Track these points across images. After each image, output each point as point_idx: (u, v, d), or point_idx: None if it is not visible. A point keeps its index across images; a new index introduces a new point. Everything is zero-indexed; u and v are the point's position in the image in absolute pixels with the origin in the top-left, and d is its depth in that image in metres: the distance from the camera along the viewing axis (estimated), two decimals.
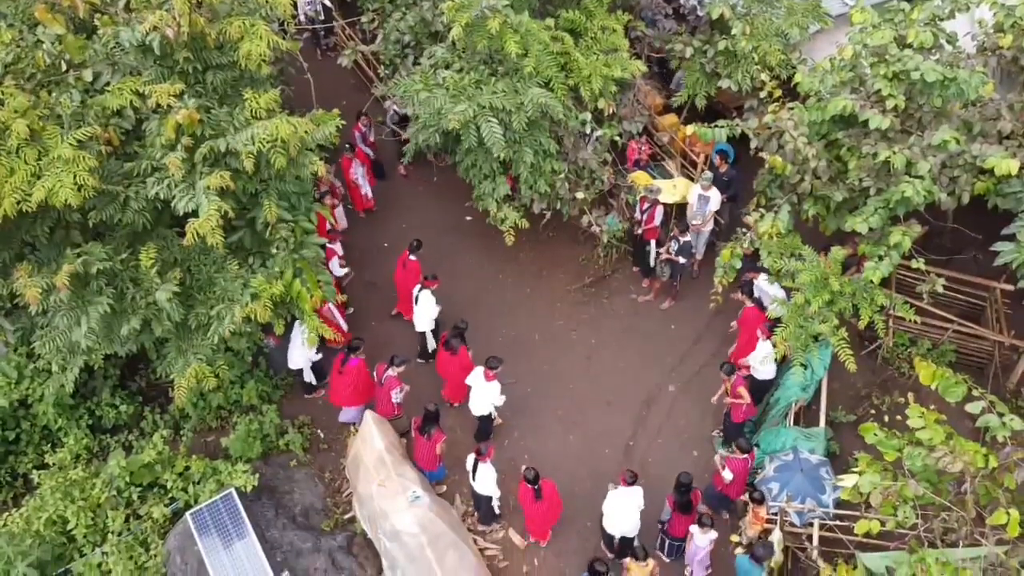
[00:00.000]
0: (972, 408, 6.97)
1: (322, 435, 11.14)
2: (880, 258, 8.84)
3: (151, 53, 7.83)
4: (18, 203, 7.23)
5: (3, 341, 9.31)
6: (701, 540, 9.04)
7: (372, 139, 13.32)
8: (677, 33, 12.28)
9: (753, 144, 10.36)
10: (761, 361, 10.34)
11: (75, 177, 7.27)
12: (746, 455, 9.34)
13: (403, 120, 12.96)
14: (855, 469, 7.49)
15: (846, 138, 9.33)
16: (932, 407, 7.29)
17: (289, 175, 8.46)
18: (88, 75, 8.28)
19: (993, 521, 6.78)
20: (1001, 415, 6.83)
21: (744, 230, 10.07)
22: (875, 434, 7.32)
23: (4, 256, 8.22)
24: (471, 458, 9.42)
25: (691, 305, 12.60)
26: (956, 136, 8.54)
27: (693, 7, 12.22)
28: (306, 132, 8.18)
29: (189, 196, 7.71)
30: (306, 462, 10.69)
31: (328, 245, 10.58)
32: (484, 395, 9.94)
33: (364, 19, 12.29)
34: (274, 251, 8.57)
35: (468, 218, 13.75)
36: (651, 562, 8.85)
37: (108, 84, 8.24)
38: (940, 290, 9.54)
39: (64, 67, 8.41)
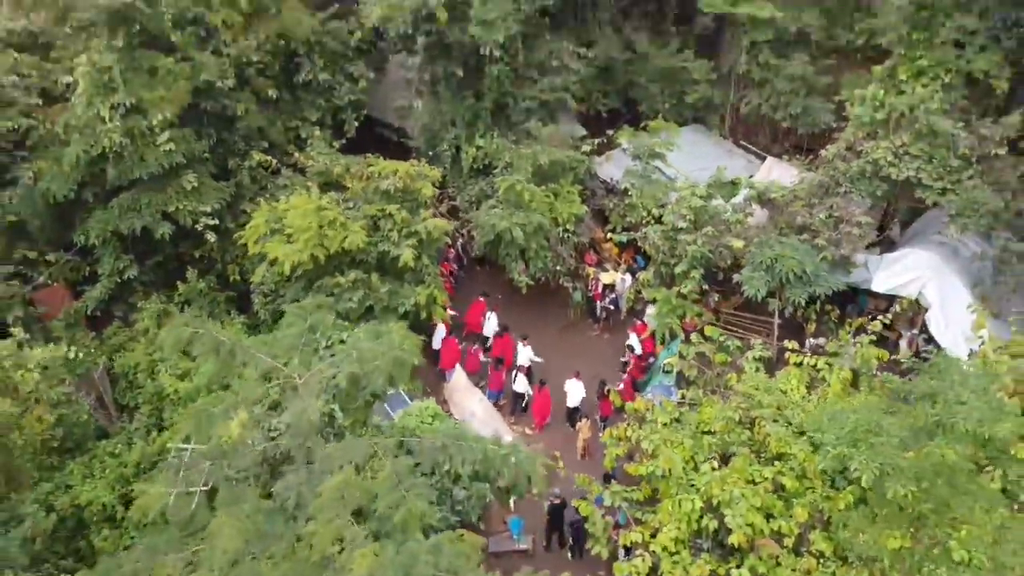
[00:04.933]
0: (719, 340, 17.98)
1: (428, 388, 21.76)
2: (686, 285, 20.21)
3: (386, 194, 19.69)
4: (335, 248, 18.67)
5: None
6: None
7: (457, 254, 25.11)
8: (607, 193, 24.47)
9: (641, 244, 22.10)
10: (636, 343, 21.45)
11: (359, 238, 18.77)
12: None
13: (467, 239, 24.83)
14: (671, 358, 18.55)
15: (676, 234, 21.00)
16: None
17: (434, 245, 20.04)
18: (351, 203, 20.11)
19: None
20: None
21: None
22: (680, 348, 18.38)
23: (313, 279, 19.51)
24: (514, 373, 20.15)
25: (617, 337, 23.71)
26: (714, 231, 20.24)
27: (616, 183, 24.51)
28: (444, 228, 19.89)
29: (399, 249, 19.19)
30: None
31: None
32: (524, 353, 20.84)
33: (451, 189, 24.52)
34: (426, 279, 19.88)
35: (499, 296, 25.07)
36: (588, 421, 19.36)
37: (359, 207, 20.00)
38: (716, 300, 20.87)
39: (339, 203, 20.24)
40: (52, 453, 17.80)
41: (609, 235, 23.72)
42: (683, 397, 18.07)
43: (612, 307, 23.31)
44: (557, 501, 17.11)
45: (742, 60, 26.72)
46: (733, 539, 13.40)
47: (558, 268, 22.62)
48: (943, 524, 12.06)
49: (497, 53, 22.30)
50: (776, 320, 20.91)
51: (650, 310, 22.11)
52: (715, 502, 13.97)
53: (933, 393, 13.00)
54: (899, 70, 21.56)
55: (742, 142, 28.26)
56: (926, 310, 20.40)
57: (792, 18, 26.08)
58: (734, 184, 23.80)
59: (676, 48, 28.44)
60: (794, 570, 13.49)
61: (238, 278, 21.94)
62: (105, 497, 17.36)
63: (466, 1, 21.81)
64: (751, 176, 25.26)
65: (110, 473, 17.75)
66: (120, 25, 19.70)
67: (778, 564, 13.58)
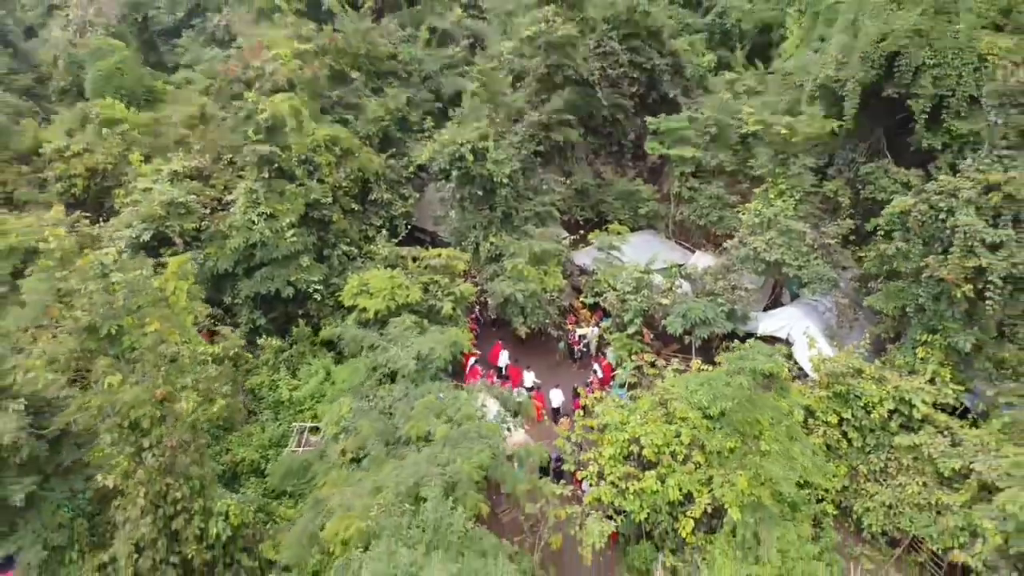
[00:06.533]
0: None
1: None
2: (631, 328, 30.49)
3: (433, 268, 30.38)
4: (401, 301, 29.09)
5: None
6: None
7: (476, 315, 35.52)
8: (581, 274, 35.15)
9: (604, 305, 32.57)
10: (599, 370, 31.56)
11: (416, 295, 29.23)
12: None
13: (484, 305, 35.25)
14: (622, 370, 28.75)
15: (625, 296, 31.46)
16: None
17: (465, 302, 30.49)
18: (410, 275, 30.74)
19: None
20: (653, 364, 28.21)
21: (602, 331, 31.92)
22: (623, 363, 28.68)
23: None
24: (521, 391, 30.08)
25: (588, 370, 33.69)
26: (650, 294, 30.73)
27: (588, 267, 35.27)
28: (471, 290, 30.42)
29: (442, 303, 29.61)
30: None
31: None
32: (528, 377, 30.87)
33: (472, 271, 35.15)
34: (459, 323, 30.15)
35: (505, 354, 35.17)
36: (567, 419, 29.11)
37: (415, 277, 30.62)
38: (659, 346, 31.11)
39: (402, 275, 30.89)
40: (218, 428, 27.52)
41: (582, 300, 34.28)
42: (630, 398, 27.95)
43: (585, 350, 33.51)
44: (557, 463, 26.52)
45: (676, 185, 38.19)
46: (647, 453, 23.03)
47: (547, 322, 32.94)
48: (755, 431, 21.87)
49: (505, 180, 33.53)
50: (693, 352, 31.01)
51: (609, 350, 32.32)
52: (637, 436, 23.66)
53: (742, 357, 23.09)
54: (770, 191, 32.78)
55: (680, 240, 39.33)
56: (792, 344, 30.56)
57: (711, 156, 37.71)
58: (670, 268, 34.63)
59: (632, 177, 40.17)
60: (682, 473, 23.02)
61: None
62: (253, 456, 27.00)
63: (484, 148, 33.22)
64: (683, 264, 36.11)
65: (255, 442, 27.47)
66: (265, 164, 31.00)
67: (673, 470, 23.11)
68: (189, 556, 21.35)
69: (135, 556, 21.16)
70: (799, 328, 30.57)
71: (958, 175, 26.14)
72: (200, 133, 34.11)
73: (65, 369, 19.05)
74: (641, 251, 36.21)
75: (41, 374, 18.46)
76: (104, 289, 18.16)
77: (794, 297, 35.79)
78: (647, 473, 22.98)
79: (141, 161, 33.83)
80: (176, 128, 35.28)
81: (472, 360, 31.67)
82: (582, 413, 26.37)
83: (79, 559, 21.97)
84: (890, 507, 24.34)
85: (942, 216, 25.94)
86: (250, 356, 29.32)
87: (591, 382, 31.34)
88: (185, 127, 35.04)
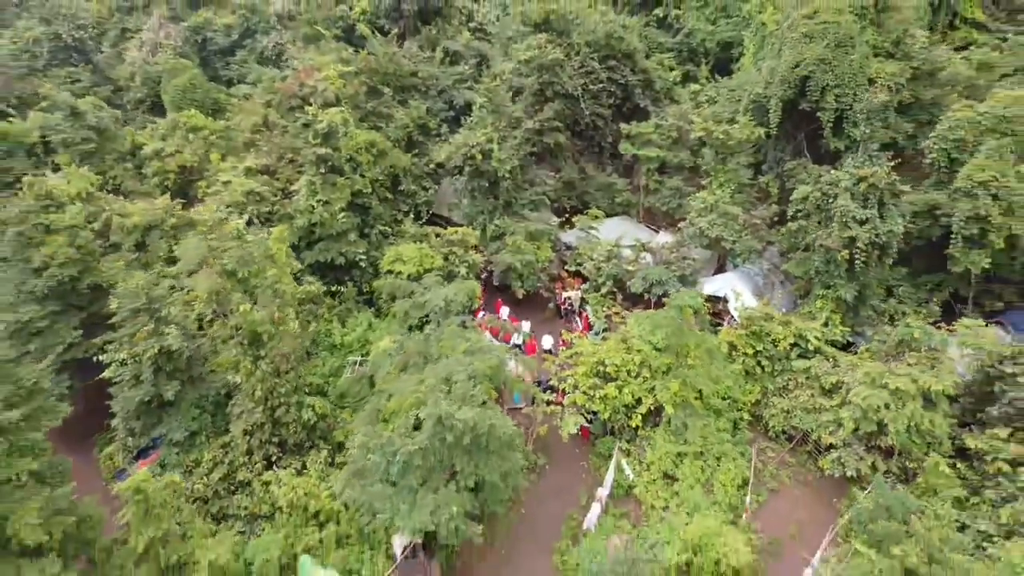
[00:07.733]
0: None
1: None
2: (604, 288, 39.64)
3: (451, 243, 39.56)
4: (427, 266, 38.23)
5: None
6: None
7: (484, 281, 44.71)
8: (567, 249, 44.30)
9: (584, 273, 41.77)
10: (579, 322, 40.84)
11: (439, 262, 38.35)
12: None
13: (490, 274, 44.45)
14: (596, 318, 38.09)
15: (599, 264, 40.60)
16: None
17: (475, 268, 39.66)
18: (433, 248, 39.91)
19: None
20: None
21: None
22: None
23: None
24: (518, 337, 39.32)
25: (572, 325, 42.86)
26: (618, 263, 39.85)
27: (572, 244, 44.47)
28: (480, 259, 39.58)
29: (458, 268, 38.75)
30: None
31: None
32: (525, 326, 40.06)
33: (480, 246, 44.26)
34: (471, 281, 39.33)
35: (506, 308, 44.34)
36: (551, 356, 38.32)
37: (437, 249, 39.78)
38: (621, 301, 40.33)
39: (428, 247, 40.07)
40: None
41: (567, 269, 43.47)
42: (603, 339, 37.15)
43: (569, 308, 42.73)
44: (546, 382, 35.67)
45: (644, 178, 47.36)
46: (609, 370, 32.19)
47: (540, 286, 42.11)
48: (684, 351, 31.10)
49: (507, 175, 42.59)
50: (652, 307, 40.13)
51: (588, 308, 41.54)
52: (603, 360, 32.78)
53: (675, 299, 32.32)
54: (713, 183, 41.94)
55: (648, 223, 48.51)
56: (728, 301, 39.74)
57: (673, 155, 46.88)
58: (637, 244, 43.83)
59: (610, 172, 49.34)
60: (634, 384, 32.13)
61: (369, 290, 41.30)
62: (319, 381, 36.18)
63: (490, 149, 42.29)
64: (649, 241, 45.26)
65: (319, 370, 36.64)
66: (321, 163, 40.09)
67: (628, 382, 32.23)
68: (286, 438, 30.58)
69: (247, 437, 30.39)
70: (733, 291, 39.75)
71: (841, 170, 35.27)
72: (266, 138, 43.16)
73: (209, 302, 28.11)
74: (615, 232, 45.36)
75: (198, 307, 27.61)
76: (240, 246, 27.19)
77: (736, 267, 44.98)
78: (609, 384, 32.12)
79: (220, 159, 42.94)
80: (244, 133, 44.33)
81: (481, 314, 40.81)
82: (565, 348, 35.62)
83: (207, 440, 31.19)
84: (787, 412, 33.52)
85: (830, 200, 35.10)
86: (326, 300, 38.49)
87: (573, 330, 40.53)
88: (252, 133, 44.10)
